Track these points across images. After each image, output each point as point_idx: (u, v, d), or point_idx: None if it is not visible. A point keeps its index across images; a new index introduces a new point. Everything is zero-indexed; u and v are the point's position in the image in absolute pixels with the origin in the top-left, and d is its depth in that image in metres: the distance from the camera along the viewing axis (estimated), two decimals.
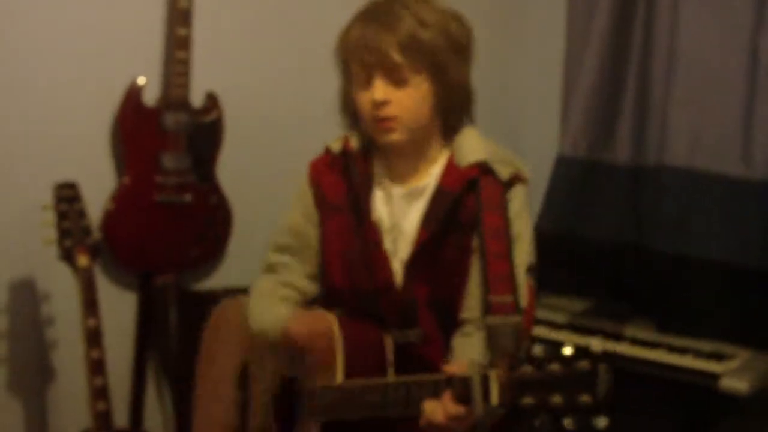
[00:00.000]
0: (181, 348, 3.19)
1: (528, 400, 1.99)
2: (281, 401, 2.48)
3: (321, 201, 2.49)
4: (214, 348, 2.67)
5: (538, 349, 2.00)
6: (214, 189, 3.22)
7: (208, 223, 3.22)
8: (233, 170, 3.27)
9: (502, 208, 2.37)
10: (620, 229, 3.44)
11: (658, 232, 3.36)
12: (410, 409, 2.19)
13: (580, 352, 1.95)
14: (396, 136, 2.37)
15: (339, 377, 2.31)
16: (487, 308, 2.25)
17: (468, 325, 2.37)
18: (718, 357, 3.07)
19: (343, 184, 2.47)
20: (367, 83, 2.35)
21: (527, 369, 1.99)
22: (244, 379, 2.55)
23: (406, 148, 2.40)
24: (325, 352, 2.34)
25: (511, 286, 2.28)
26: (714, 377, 2.97)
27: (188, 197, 3.15)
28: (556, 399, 1.96)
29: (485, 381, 2.04)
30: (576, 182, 3.50)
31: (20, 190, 2.94)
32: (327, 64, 3.49)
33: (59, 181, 2.82)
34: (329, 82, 3.49)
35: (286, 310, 2.43)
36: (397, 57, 2.30)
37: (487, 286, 2.28)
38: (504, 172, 2.39)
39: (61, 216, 2.80)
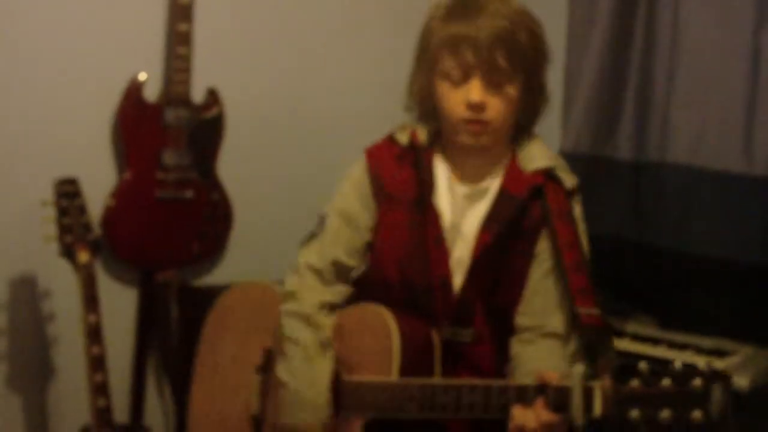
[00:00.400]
0: (181, 344, 3.19)
1: (635, 414, 2.05)
2: None
3: (379, 191, 2.46)
4: (229, 332, 2.64)
5: (643, 365, 2.07)
6: (215, 185, 3.21)
7: (208, 220, 3.21)
8: (234, 166, 3.26)
9: (571, 216, 2.39)
10: (622, 226, 3.44)
11: (660, 229, 3.36)
12: (489, 413, 2.19)
13: (692, 369, 2.02)
14: (483, 140, 2.35)
15: (394, 373, 2.30)
16: (576, 320, 2.26)
17: (526, 332, 2.37)
18: (720, 353, 3.07)
19: (408, 177, 2.44)
20: (462, 81, 2.30)
21: (635, 383, 2.06)
22: (266, 366, 2.54)
23: (475, 148, 2.39)
24: (379, 347, 2.32)
25: (595, 299, 2.29)
26: None
27: (189, 193, 3.14)
28: (665, 414, 2.03)
29: (588, 392, 2.07)
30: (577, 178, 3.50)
31: (21, 186, 2.93)
32: (327, 61, 3.51)
33: (60, 177, 2.82)
34: (330, 78, 3.51)
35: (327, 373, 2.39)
36: (502, 61, 2.27)
37: (571, 298, 2.29)
38: (569, 181, 2.40)
39: (62, 212, 2.79)
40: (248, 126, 3.30)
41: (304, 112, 3.44)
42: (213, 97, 3.17)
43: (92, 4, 3.02)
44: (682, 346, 3.12)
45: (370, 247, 2.49)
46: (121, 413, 3.08)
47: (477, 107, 2.30)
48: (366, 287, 2.49)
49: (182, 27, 3.04)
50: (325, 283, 2.47)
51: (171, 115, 3.08)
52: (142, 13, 3.10)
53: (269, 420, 2.52)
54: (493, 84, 2.29)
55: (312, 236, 2.53)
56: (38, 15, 2.92)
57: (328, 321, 2.44)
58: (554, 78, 3.61)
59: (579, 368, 2.11)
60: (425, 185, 2.41)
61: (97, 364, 2.77)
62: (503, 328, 2.40)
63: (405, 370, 2.31)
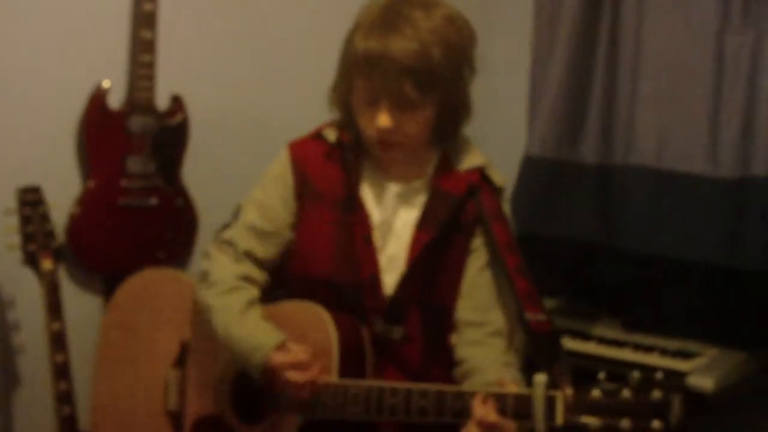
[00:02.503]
0: None
1: (595, 422, 2.07)
2: (239, 390, 2.45)
3: (303, 187, 2.45)
4: (134, 325, 2.62)
5: (602, 375, 2.11)
6: (180, 192, 3.21)
7: (174, 226, 3.21)
8: (199, 173, 3.26)
9: (504, 217, 2.40)
10: (587, 229, 3.45)
11: (626, 232, 3.37)
12: (442, 418, 2.19)
13: (651, 379, 2.06)
14: (395, 154, 2.37)
15: (334, 373, 2.29)
16: (526, 326, 2.28)
17: (471, 330, 2.37)
18: (685, 355, 3.09)
19: (335, 174, 2.43)
20: (372, 104, 2.29)
21: (595, 392, 2.08)
22: (182, 360, 2.52)
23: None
24: (317, 346, 2.30)
25: (541, 304, 2.31)
26: (681, 375, 2.98)
27: (154, 200, 3.13)
28: (625, 423, 2.05)
29: (550, 401, 2.09)
30: (543, 182, 3.51)
31: None
32: (291, 66, 3.50)
33: (23, 185, 2.81)
34: (294, 84, 3.50)
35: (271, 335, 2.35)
36: (410, 91, 2.24)
37: (519, 304, 2.30)
38: (498, 180, 2.41)
39: (25, 220, 2.79)
40: (213, 132, 3.29)
41: (269, 118, 3.44)
42: (177, 103, 3.17)
43: (55, 11, 3.00)
44: (648, 349, 3.13)
45: (290, 245, 2.47)
46: (86, 421, 3.07)
47: (385, 132, 2.29)
48: (289, 285, 2.47)
49: (146, 34, 3.03)
50: (239, 260, 2.45)
51: (135, 122, 3.08)
52: (106, 20, 3.09)
53: (189, 414, 2.50)
54: (403, 107, 2.27)
55: (226, 227, 2.52)
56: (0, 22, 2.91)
57: (251, 288, 2.42)
58: (519, 80, 3.65)
59: (541, 377, 2.12)
60: (352, 183, 2.41)
61: (62, 372, 2.76)
62: (436, 328, 2.40)
63: (342, 369, 2.30)
